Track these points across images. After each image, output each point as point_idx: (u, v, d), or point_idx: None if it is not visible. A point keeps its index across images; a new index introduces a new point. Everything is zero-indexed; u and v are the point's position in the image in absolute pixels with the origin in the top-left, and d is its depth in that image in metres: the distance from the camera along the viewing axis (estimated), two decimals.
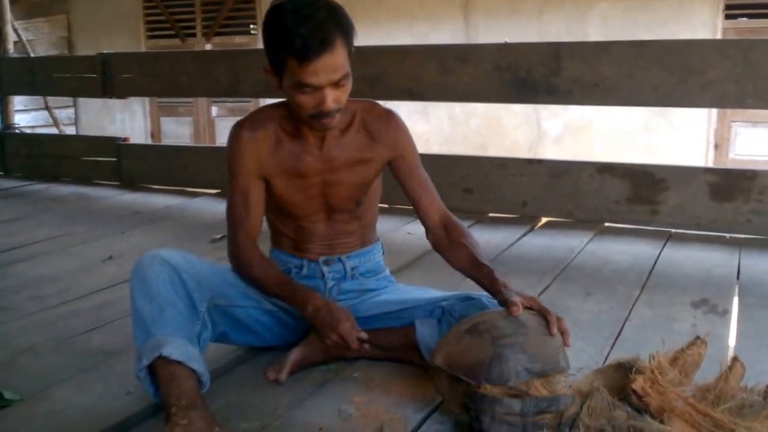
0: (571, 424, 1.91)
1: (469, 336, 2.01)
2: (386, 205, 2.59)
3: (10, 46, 7.34)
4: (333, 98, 2.11)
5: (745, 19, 7.79)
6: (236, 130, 2.35)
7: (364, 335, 2.21)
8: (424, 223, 2.47)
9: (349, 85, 2.17)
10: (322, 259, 2.47)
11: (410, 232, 4.36)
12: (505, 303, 2.04)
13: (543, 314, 2.04)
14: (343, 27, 2.09)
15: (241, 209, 2.37)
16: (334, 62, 2.06)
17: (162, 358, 1.94)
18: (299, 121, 2.28)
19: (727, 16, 7.77)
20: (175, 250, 2.23)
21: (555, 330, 2.00)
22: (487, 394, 1.89)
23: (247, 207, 2.36)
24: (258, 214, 2.40)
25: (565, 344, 2.02)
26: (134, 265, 2.16)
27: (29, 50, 8.12)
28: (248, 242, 2.37)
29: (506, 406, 1.87)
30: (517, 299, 2.02)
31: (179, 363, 1.95)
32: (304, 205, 2.38)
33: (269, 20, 2.12)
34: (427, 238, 2.47)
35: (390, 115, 2.43)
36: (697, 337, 2.08)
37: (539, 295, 3.19)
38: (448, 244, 2.39)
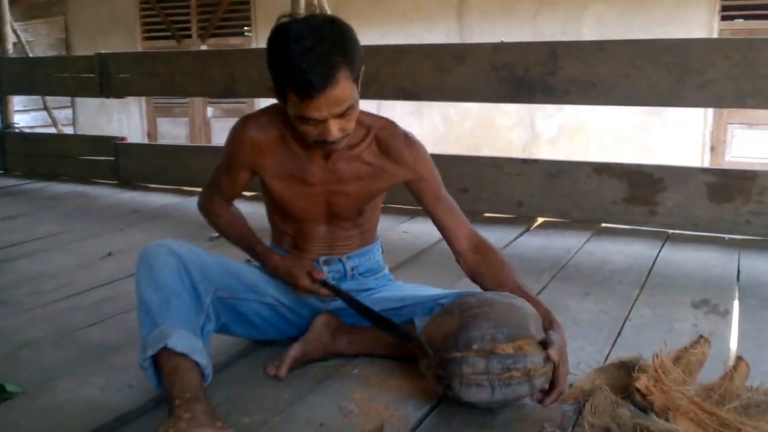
0: (573, 425, 1.90)
1: (442, 315, 2.10)
2: (381, 205, 2.58)
3: (9, 47, 7.33)
4: (338, 128, 2.07)
5: (741, 20, 7.80)
6: (242, 126, 2.32)
7: (322, 275, 2.29)
8: (452, 247, 2.41)
9: (355, 114, 2.12)
10: (322, 259, 2.46)
11: (406, 231, 4.37)
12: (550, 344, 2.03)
13: (555, 380, 2.02)
14: (348, 56, 2.01)
15: (224, 182, 2.45)
16: (338, 96, 2.00)
17: (167, 350, 1.94)
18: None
19: (723, 18, 7.77)
20: (181, 240, 2.22)
21: (549, 400, 2.03)
22: (454, 357, 1.93)
23: (232, 185, 2.44)
24: (237, 193, 2.49)
25: (543, 403, 2.04)
26: (140, 254, 2.15)
27: (28, 51, 8.10)
28: (222, 199, 2.50)
29: (472, 365, 1.91)
30: (555, 356, 2.00)
31: (183, 355, 1.94)
32: (305, 210, 2.37)
33: (272, 45, 2.04)
34: (458, 263, 2.42)
35: (409, 137, 2.37)
36: (701, 336, 2.08)
37: (537, 294, 3.18)
38: (486, 272, 2.33)
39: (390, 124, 2.37)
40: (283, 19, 2.05)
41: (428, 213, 2.42)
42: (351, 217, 2.44)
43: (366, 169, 2.33)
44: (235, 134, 2.33)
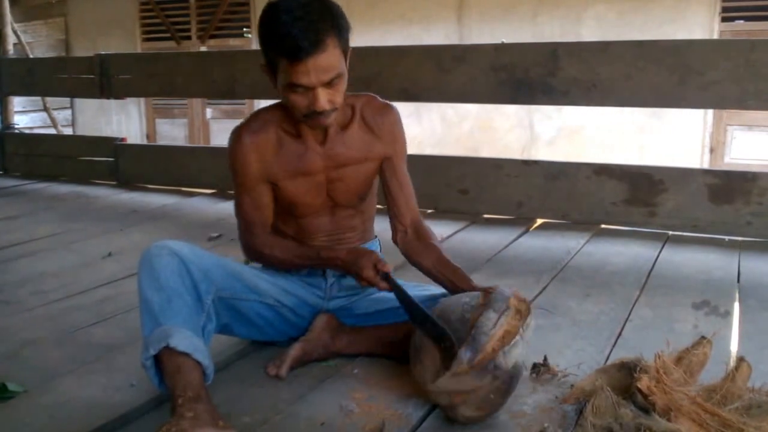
0: (574, 425, 1.90)
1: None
2: (379, 206, 2.59)
3: (10, 48, 7.34)
4: (326, 98, 2.12)
5: (741, 21, 7.79)
6: (237, 135, 2.35)
7: (388, 268, 2.25)
8: (395, 221, 2.50)
9: (343, 86, 2.17)
10: None
11: None
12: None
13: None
14: (337, 27, 2.10)
15: (251, 210, 2.40)
16: (326, 62, 2.07)
17: (168, 349, 1.94)
18: (298, 121, 2.28)
19: (724, 19, 7.76)
20: (182, 241, 2.23)
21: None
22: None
23: (259, 208, 2.40)
24: (269, 214, 2.44)
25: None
26: (142, 254, 2.14)
27: (28, 52, 8.11)
28: (264, 231, 2.43)
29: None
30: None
31: (186, 354, 1.95)
32: (309, 203, 2.39)
33: (263, 19, 2.13)
34: (394, 239, 2.51)
35: (388, 108, 2.45)
36: (703, 337, 2.07)
37: (538, 295, 3.20)
38: (417, 245, 2.44)
39: (370, 98, 2.45)
40: None
41: (384, 183, 2.50)
42: (352, 204, 2.47)
43: (359, 150, 2.39)
44: (234, 145, 2.35)
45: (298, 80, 2.08)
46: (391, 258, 3.15)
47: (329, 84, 2.11)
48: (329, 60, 2.07)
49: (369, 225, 2.59)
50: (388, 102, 2.46)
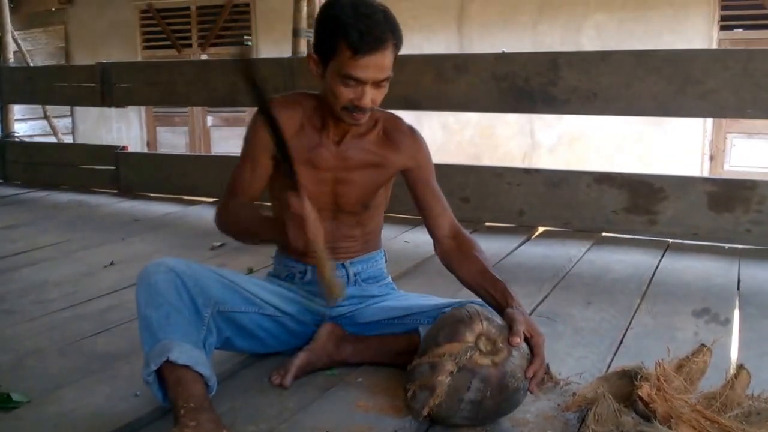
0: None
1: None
2: (384, 208, 2.60)
3: (10, 56, 7.35)
4: (371, 96, 2.19)
5: (740, 30, 7.82)
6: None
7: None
8: (433, 232, 2.47)
9: (386, 89, 2.24)
10: None
11: (407, 241, 4.38)
12: (509, 323, 2.05)
13: (533, 351, 2.05)
14: (395, 33, 2.19)
15: (246, 176, 2.41)
16: (384, 62, 2.16)
17: (169, 363, 1.95)
18: (327, 114, 2.32)
19: (723, 27, 7.80)
20: (178, 258, 2.24)
21: (531, 373, 2.02)
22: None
23: (252, 177, 2.41)
24: (259, 187, 2.43)
25: (530, 389, 2.04)
26: (139, 274, 2.15)
27: (28, 60, 8.12)
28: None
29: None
30: (520, 329, 2.01)
31: (186, 367, 1.95)
32: (312, 198, 2.36)
33: (327, 9, 2.20)
34: (435, 250, 2.48)
35: (413, 130, 2.50)
36: (702, 345, 2.08)
37: (540, 303, 3.21)
38: (458, 255, 2.39)
39: (396, 117, 2.50)
40: None
41: (415, 197, 2.50)
42: (355, 211, 2.47)
43: (372, 157, 2.41)
44: (257, 115, 2.34)
45: (354, 73, 2.14)
46: (394, 267, 3.19)
47: (378, 84, 2.18)
48: (385, 61, 2.16)
49: (371, 237, 2.58)
50: (413, 127, 2.50)
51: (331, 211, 2.44)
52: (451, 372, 1.97)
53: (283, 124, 2.25)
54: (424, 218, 2.48)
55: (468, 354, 1.98)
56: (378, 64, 2.14)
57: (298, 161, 2.30)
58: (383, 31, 2.12)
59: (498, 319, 2.08)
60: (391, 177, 2.49)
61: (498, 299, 2.20)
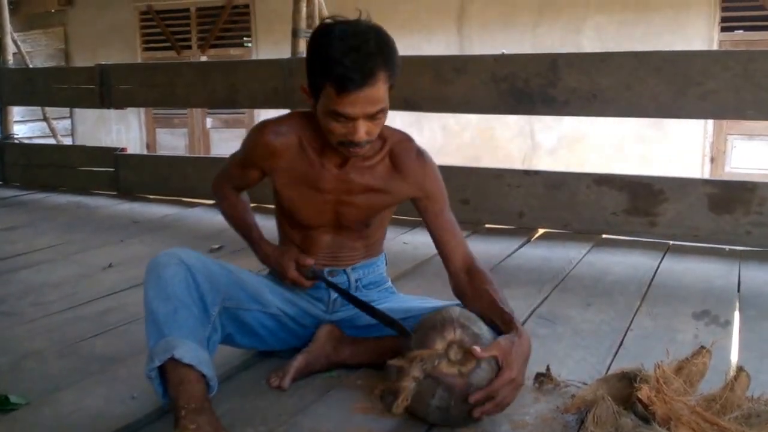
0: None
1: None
2: (390, 219, 2.59)
3: (10, 57, 7.34)
4: (365, 130, 2.10)
5: (741, 31, 7.82)
6: (260, 130, 2.36)
7: (309, 262, 2.34)
8: (446, 264, 2.40)
9: (383, 119, 2.16)
10: (326, 270, 2.46)
11: (406, 242, 4.37)
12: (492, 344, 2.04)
13: (493, 382, 2.00)
14: (388, 62, 2.07)
15: (237, 174, 2.51)
16: (373, 96, 2.04)
17: (173, 360, 1.94)
18: (326, 139, 2.24)
19: (723, 29, 7.79)
20: (190, 250, 2.23)
21: (473, 399, 1.99)
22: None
23: (243, 179, 2.50)
24: (247, 187, 2.56)
25: (469, 412, 2.01)
26: (149, 263, 2.15)
27: (28, 61, 8.11)
28: (230, 187, 2.57)
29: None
30: (490, 351, 2.00)
31: (190, 366, 1.95)
32: (313, 217, 2.37)
33: (315, 40, 2.10)
34: (450, 282, 2.42)
35: (422, 154, 2.39)
36: (702, 347, 2.08)
37: (539, 305, 3.21)
38: (471, 291, 2.31)
39: (405, 140, 2.39)
40: (328, 20, 2.13)
41: (428, 229, 2.43)
42: (358, 228, 2.45)
43: (376, 182, 2.34)
44: (254, 136, 2.37)
45: (342, 110, 2.05)
46: (393, 268, 3.18)
47: (371, 117, 2.09)
48: (376, 94, 2.05)
49: (373, 247, 2.56)
50: (423, 150, 2.41)
51: (333, 227, 2.43)
52: (417, 378, 1.99)
53: (275, 153, 2.32)
54: (437, 247, 2.42)
55: (435, 362, 2.00)
56: (368, 98, 2.04)
57: (297, 180, 2.32)
58: (373, 64, 2.01)
59: (476, 328, 2.07)
60: (397, 203, 2.44)
61: (504, 331, 2.14)
